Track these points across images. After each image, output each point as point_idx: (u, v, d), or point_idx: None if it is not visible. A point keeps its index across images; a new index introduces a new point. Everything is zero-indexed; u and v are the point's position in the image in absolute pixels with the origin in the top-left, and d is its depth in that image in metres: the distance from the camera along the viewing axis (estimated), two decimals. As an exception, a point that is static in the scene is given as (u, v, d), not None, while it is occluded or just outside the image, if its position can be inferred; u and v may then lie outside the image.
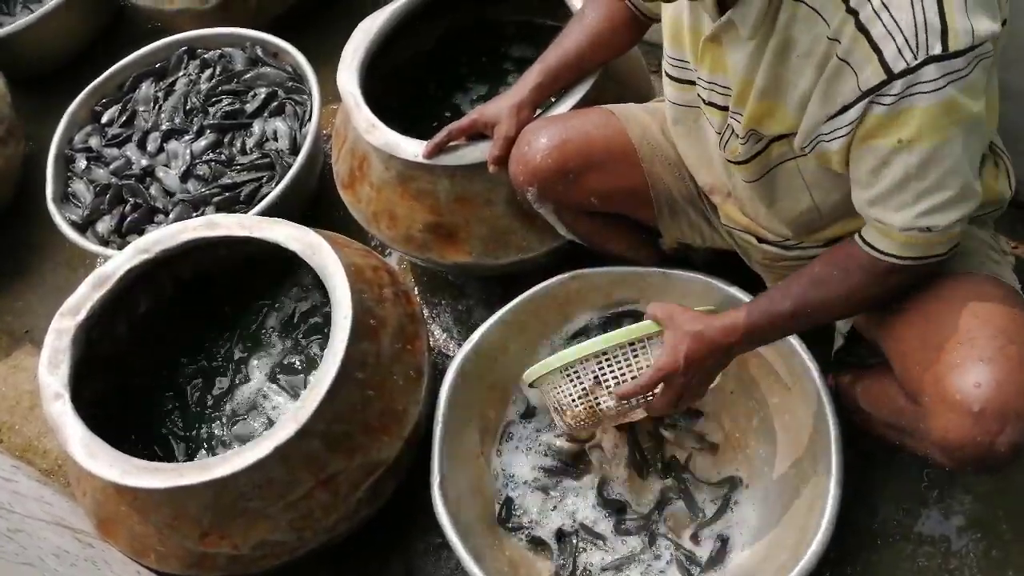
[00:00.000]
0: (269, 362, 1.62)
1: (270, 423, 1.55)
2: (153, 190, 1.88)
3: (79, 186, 1.93)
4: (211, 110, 1.95)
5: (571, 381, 1.20)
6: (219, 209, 1.78)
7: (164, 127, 1.94)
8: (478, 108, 1.39)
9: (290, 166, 1.78)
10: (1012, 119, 1.05)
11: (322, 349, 1.59)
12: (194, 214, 1.80)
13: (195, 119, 1.94)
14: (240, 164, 1.85)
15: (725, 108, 1.11)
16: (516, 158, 1.32)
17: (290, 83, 1.95)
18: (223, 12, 2.19)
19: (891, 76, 0.89)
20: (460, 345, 1.45)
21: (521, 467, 1.46)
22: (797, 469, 1.32)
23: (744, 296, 1.34)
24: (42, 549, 1.23)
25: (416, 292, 1.81)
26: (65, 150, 1.98)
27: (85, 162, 1.95)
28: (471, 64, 1.85)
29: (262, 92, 1.95)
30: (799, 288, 1.08)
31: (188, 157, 1.89)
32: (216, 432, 1.56)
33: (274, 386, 1.59)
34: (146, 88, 2.03)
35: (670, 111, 1.25)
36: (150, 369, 1.61)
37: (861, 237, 1.04)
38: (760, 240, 1.27)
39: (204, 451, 1.54)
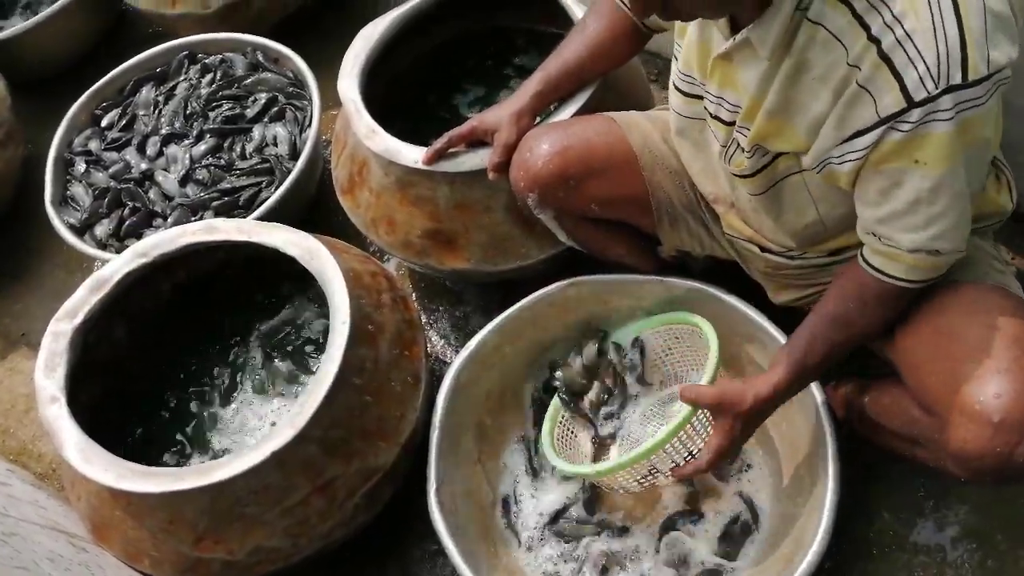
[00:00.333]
0: (267, 366, 1.62)
1: (267, 428, 1.54)
2: (152, 194, 1.88)
3: (78, 189, 1.93)
4: (211, 115, 1.95)
5: (626, 474, 1.25)
6: (218, 214, 1.78)
7: (164, 131, 1.95)
8: (478, 115, 1.40)
9: (289, 171, 1.78)
10: (1013, 133, 1.06)
11: (319, 354, 1.59)
12: (193, 218, 1.80)
13: (195, 123, 1.95)
14: (239, 169, 1.86)
15: (731, 123, 1.12)
16: (517, 164, 1.32)
17: (290, 88, 1.96)
18: (224, 17, 2.20)
19: (911, 104, 0.89)
20: (458, 351, 1.45)
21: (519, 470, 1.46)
22: (794, 479, 1.32)
23: (741, 305, 1.35)
24: (36, 553, 1.22)
25: (414, 298, 1.81)
26: (64, 153, 1.98)
27: (84, 165, 1.95)
28: (471, 71, 1.86)
29: (262, 97, 1.95)
30: (822, 332, 1.10)
31: (187, 161, 1.89)
32: (212, 437, 1.56)
33: (272, 390, 1.59)
34: (146, 92, 2.03)
35: (675, 121, 1.25)
36: (147, 373, 1.61)
37: (868, 263, 1.05)
38: (763, 250, 1.27)
39: (200, 456, 1.54)
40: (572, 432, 1.44)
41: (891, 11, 0.89)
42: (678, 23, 1.17)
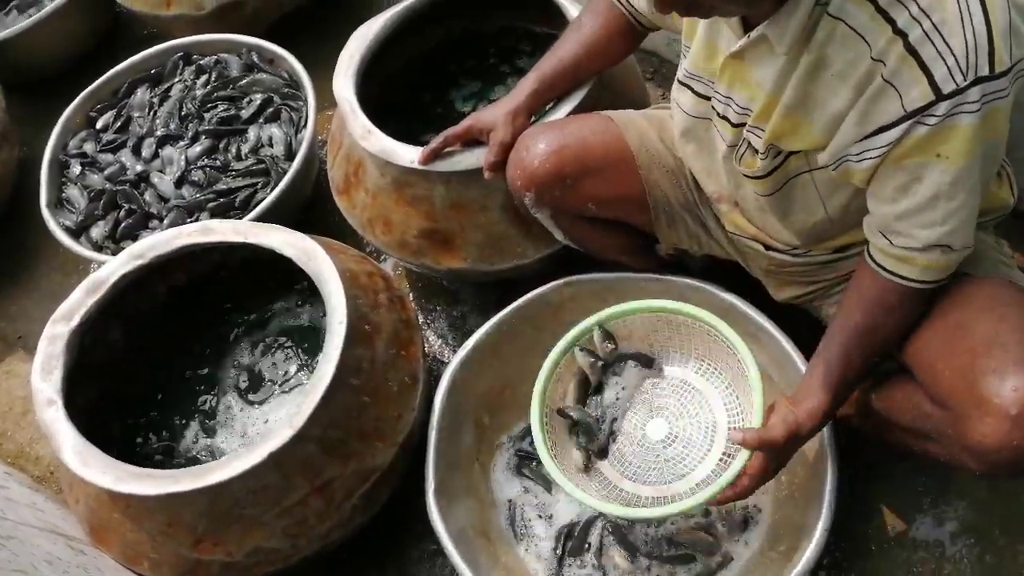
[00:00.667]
0: (263, 367, 1.62)
1: (264, 429, 1.54)
2: (148, 196, 1.87)
3: (73, 192, 1.92)
4: (206, 116, 1.95)
5: None
6: (214, 215, 1.78)
7: (159, 133, 1.94)
8: (474, 114, 1.39)
9: (285, 172, 1.78)
10: (1012, 129, 1.06)
11: (316, 355, 1.59)
12: (189, 220, 1.79)
13: (190, 125, 1.94)
14: (235, 170, 1.85)
15: (739, 125, 1.12)
16: (514, 163, 1.32)
17: (286, 89, 1.96)
18: (219, 18, 2.19)
19: (939, 97, 0.89)
20: (455, 351, 1.45)
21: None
22: (794, 475, 1.32)
23: (740, 303, 1.35)
24: (34, 556, 1.22)
25: (411, 298, 1.81)
26: (59, 155, 1.98)
27: (79, 167, 1.95)
28: (467, 70, 1.86)
29: (257, 98, 1.95)
30: (856, 346, 1.08)
31: (183, 163, 1.89)
32: (210, 438, 1.56)
33: (269, 391, 1.59)
34: (141, 94, 2.03)
35: (682, 121, 1.24)
36: (144, 375, 1.61)
37: (882, 267, 1.04)
38: (767, 248, 1.27)
39: (198, 457, 1.54)
40: (558, 441, 1.34)
41: (917, 4, 0.88)
42: (686, 23, 1.17)
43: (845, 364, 1.09)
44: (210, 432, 1.57)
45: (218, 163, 1.87)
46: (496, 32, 1.84)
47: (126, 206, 1.86)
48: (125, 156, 1.95)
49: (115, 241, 1.83)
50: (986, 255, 1.12)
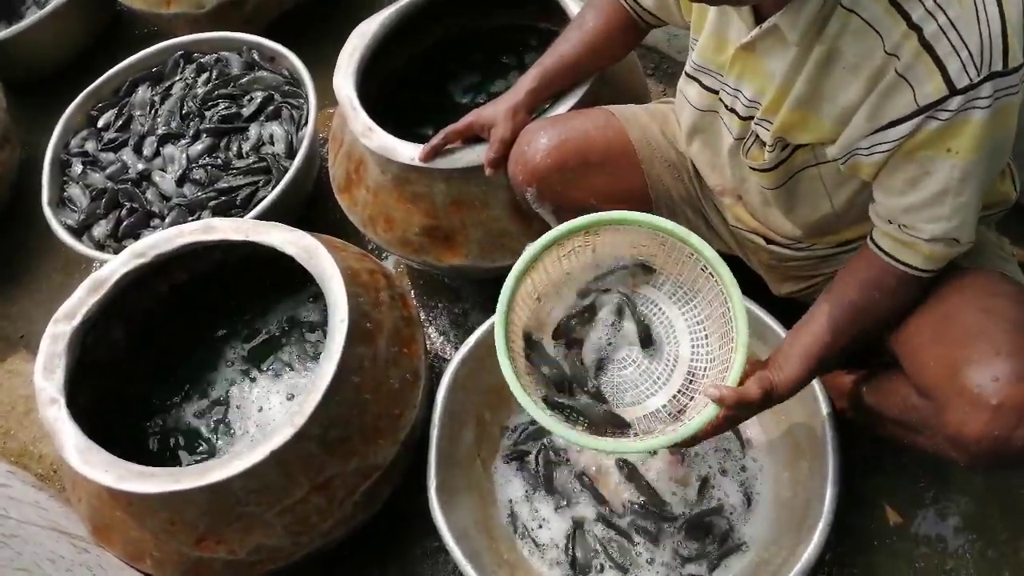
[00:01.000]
0: (265, 366, 1.62)
1: (266, 427, 1.55)
2: (149, 194, 1.88)
3: (75, 191, 1.93)
4: (207, 114, 1.95)
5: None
6: (215, 213, 1.78)
7: (160, 131, 1.94)
8: (474, 111, 1.39)
9: (286, 170, 1.78)
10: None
11: (318, 353, 1.59)
12: (190, 218, 1.80)
13: (191, 123, 1.94)
14: (236, 168, 1.85)
15: (747, 118, 1.11)
16: (515, 158, 1.32)
17: (286, 87, 1.96)
18: (219, 16, 2.19)
19: (953, 92, 0.89)
20: (457, 348, 1.45)
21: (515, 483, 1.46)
22: (794, 471, 1.32)
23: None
24: (37, 555, 1.22)
25: (413, 295, 1.81)
26: (61, 155, 1.98)
27: (81, 167, 1.95)
28: (467, 67, 1.86)
29: (258, 96, 1.95)
30: (846, 323, 1.07)
31: (184, 161, 1.89)
32: (211, 436, 1.56)
33: (270, 389, 1.59)
34: (142, 92, 2.03)
35: (690, 115, 1.24)
36: (146, 374, 1.61)
37: (884, 251, 1.04)
38: (768, 241, 1.27)
39: (200, 455, 1.54)
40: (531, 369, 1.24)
41: None
42: (694, 16, 1.17)
43: (830, 340, 1.08)
44: (212, 430, 1.57)
45: (219, 161, 1.87)
46: (497, 29, 1.84)
47: (128, 205, 1.86)
48: (126, 155, 1.95)
49: (117, 240, 1.84)
50: (984, 248, 1.12)
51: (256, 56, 2.01)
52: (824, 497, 1.20)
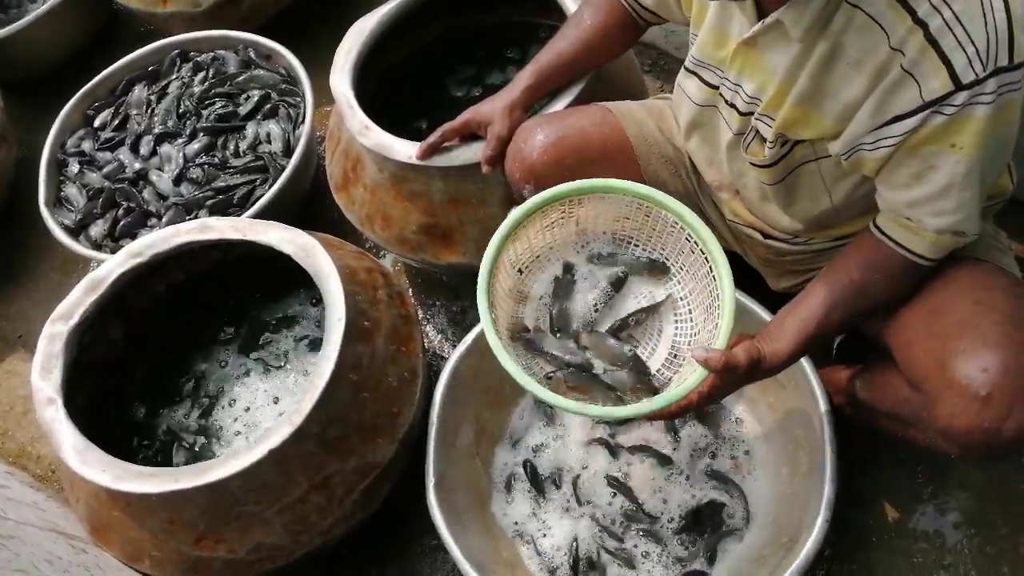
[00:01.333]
0: (263, 364, 1.62)
1: (263, 425, 1.54)
2: (146, 194, 1.87)
3: (72, 190, 1.92)
4: (204, 113, 1.95)
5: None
6: (212, 212, 1.78)
7: (157, 130, 1.94)
8: (471, 109, 1.39)
9: (283, 169, 1.78)
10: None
11: (316, 352, 1.59)
12: (187, 217, 1.79)
13: (188, 122, 1.94)
14: (233, 167, 1.85)
15: (746, 114, 1.11)
16: (513, 155, 1.32)
17: (283, 85, 1.95)
18: (215, 15, 2.19)
19: (959, 87, 0.89)
20: (455, 346, 1.45)
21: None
22: (792, 467, 1.32)
23: (739, 295, 1.34)
24: (35, 555, 1.22)
25: (410, 293, 1.81)
26: (58, 154, 1.98)
27: (78, 166, 1.95)
28: (464, 65, 1.85)
29: (255, 95, 1.95)
30: (843, 301, 1.07)
31: (181, 160, 1.88)
32: (210, 436, 1.56)
33: (268, 388, 1.59)
34: (139, 91, 2.03)
35: (689, 110, 1.24)
36: (143, 373, 1.61)
37: (889, 236, 1.04)
38: (765, 236, 1.27)
39: (198, 455, 1.54)
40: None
41: None
42: (695, 10, 1.16)
43: (824, 317, 1.07)
44: (210, 429, 1.57)
45: (216, 160, 1.87)
46: (495, 26, 1.84)
47: (125, 204, 1.86)
48: (123, 154, 1.95)
49: (114, 239, 1.83)
50: (980, 240, 1.11)
51: (252, 54, 2.01)
52: (822, 493, 1.19)
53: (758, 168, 1.15)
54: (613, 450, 1.42)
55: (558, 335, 1.19)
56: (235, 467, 1.19)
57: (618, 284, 1.21)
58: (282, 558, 1.30)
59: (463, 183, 1.43)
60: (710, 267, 1.11)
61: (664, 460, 1.40)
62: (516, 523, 1.41)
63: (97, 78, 2.04)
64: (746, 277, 1.38)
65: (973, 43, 0.87)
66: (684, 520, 1.34)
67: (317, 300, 1.64)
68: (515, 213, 1.16)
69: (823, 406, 1.25)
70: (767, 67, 1.04)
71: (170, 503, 1.23)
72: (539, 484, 1.42)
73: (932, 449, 1.08)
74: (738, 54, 1.07)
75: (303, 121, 1.84)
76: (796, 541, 1.20)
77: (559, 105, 1.38)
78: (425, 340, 1.60)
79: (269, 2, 2.26)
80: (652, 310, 1.19)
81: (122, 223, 1.83)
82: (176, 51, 2.05)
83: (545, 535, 1.38)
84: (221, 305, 1.68)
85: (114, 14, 2.59)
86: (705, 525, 1.34)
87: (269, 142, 1.88)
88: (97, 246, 1.83)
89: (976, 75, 0.88)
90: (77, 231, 1.86)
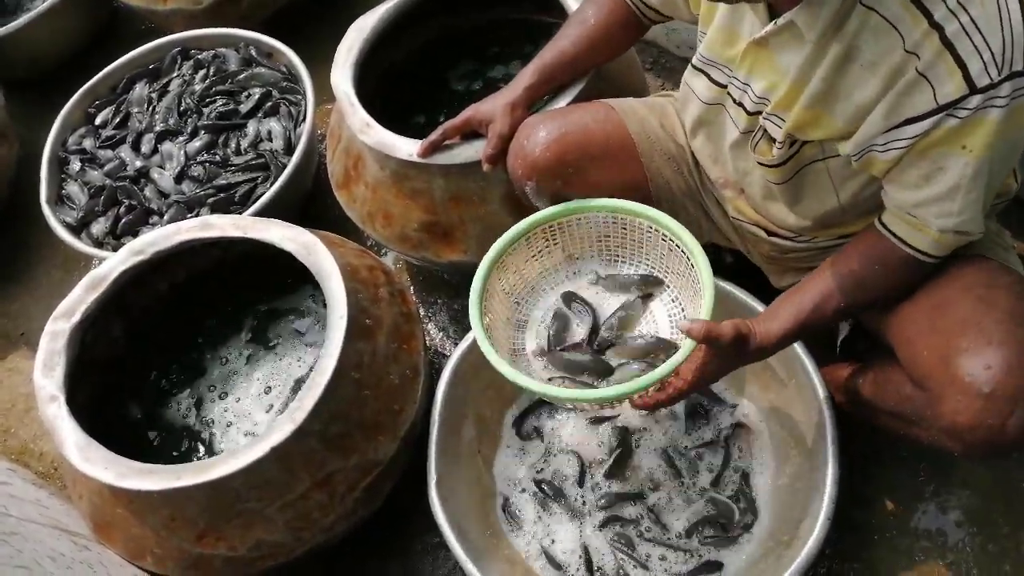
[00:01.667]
0: (264, 363, 1.62)
1: (265, 423, 1.55)
2: (147, 191, 1.87)
3: (73, 188, 1.92)
4: (205, 111, 1.95)
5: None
6: (214, 210, 1.78)
7: (158, 128, 1.94)
8: (472, 106, 1.39)
9: (285, 166, 1.78)
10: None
11: (317, 349, 1.59)
12: (189, 215, 1.79)
13: (189, 120, 1.94)
14: (235, 165, 1.85)
15: (754, 113, 1.11)
16: (515, 152, 1.31)
17: (284, 83, 1.95)
18: (216, 12, 2.19)
19: (973, 91, 0.89)
20: (456, 344, 1.45)
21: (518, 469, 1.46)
22: (794, 465, 1.32)
23: (737, 291, 1.34)
24: (38, 552, 1.22)
25: (412, 291, 1.81)
26: (59, 152, 1.98)
27: (79, 164, 1.95)
28: (465, 62, 1.85)
29: (256, 92, 1.95)
30: (840, 291, 1.07)
31: (182, 158, 1.89)
32: (211, 433, 1.56)
33: (269, 385, 1.59)
34: (140, 89, 2.03)
35: (696, 108, 1.23)
36: (145, 371, 1.61)
37: (893, 233, 1.04)
38: (769, 234, 1.27)
39: (200, 452, 1.54)
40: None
41: None
42: (704, 8, 1.16)
43: (821, 305, 1.08)
44: (212, 426, 1.57)
45: (217, 158, 1.87)
46: (495, 24, 1.84)
47: (126, 202, 1.86)
48: (124, 152, 1.95)
49: (115, 237, 1.83)
50: (984, 239, 1.11)
51: (253, 52, 2.01)
52: (824, 491, 1.20)
53: (765, 167, 1.15)
54: (619, 454, 1.42)
55: (558, 350, 1.25)
56: (237, 464, 1.19)
57: (636, 307, 1.27)
58: (283, 555, 1.30)
59: (464, 181, 1.43)
60: (687, 257, 1.14)
61: (669, 462, 1.40)
62: (520, 522, 1.41)
63: (98, 76, 2.04)
64: (749, 275, 1.39)
65: (989, 48, 0.87)
66: (691, 523, 1.34)
67: (319, 298, 1.65)
68: (498, 243, 1.23)
69: (825, 404, 1.25)
70: (778, 67, 1.04)
71: (172, 500, 1.23)
72: (542, 486, 1.42)
73: (935, 447, 1.09)
74: (748, 54, 1.07)
75: (304, 119, 1.84)
76: (797, 539, 1.20)
77: (560, 103, 1.38)
78: (427, 338, 1.60)
79: (269, 0, 2.26)
80: (664, 345, 1.21)
81: (123, 221, 1.83)
82: (177, 49, 2.05)
83: (552, 539, 1.38)
84: (222, 303, 1.68)
85: (115, 12, 2.59)
86: (713, 526, 1.33)
87: (270, 140, 1.88)
88: (98, 244, 1.83)
89: (991, 79, 0.88)
90: (79, 229, 1.86)
